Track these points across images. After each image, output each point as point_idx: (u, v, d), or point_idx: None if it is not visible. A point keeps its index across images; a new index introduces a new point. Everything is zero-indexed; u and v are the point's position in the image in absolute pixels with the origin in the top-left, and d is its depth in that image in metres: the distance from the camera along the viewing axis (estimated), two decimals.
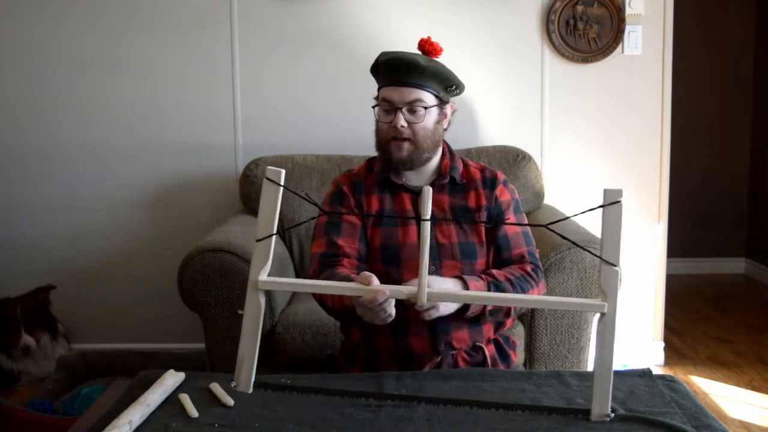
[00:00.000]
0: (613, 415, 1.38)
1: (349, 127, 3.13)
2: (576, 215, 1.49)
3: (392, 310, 1.55)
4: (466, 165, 1.93)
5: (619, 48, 3.09)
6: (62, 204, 3.22)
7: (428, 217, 1.32)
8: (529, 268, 1.83)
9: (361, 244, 1.84)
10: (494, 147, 2.98)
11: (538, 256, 1.89)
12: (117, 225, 3.22)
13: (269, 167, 1.39)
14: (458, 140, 3.03)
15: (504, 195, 1.90)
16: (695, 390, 2.97)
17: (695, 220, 4.85)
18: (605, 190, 1.34)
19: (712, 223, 4.90)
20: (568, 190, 3.16)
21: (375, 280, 1.50)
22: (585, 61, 3.10)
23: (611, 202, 1.33)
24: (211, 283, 2.31)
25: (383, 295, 1.46)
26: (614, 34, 3.07)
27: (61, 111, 3.17)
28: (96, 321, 3.28)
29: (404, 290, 1.42)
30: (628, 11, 3.06)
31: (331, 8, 3.09)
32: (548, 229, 1.40)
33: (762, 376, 3.14)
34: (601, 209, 1.34)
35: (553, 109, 3.14)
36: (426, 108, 1.79)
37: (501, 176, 1.93)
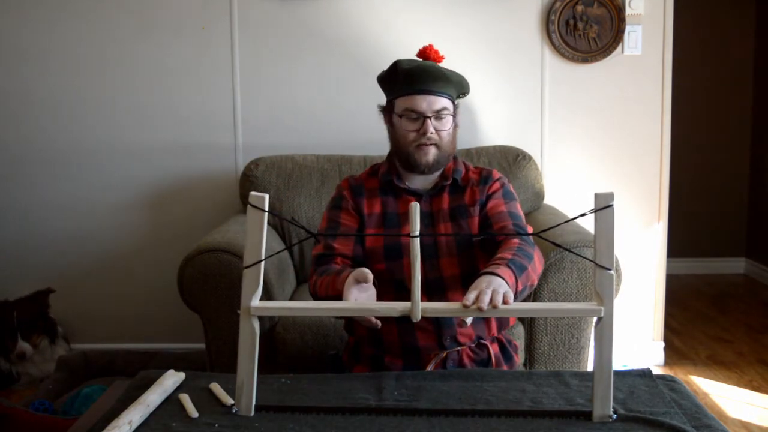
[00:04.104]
0: (615, 416, 1.38)
1: (349, 127, 3.14)
2: (568, 221, 1.48)
3: (378, 326, 1.60)
4: (467, 168, 1.99)
5: (619, 48, 3.09)
6: (63, 204, 3.22)
7: (417, 233, 1.32)
8: (516, 240, 1.80)
9: (357, 246, 1.89)
10: (494, 147, 2.98)
11: (528, 229, 1.90)
12: (117, 225, 3.22)
13: (252, 193, 1.36)
14: (459, 140, 3.01)
15: (494, 187, 1.95)
16: (695, 390, 2.97)
17: (695, 220, 4.85)
18: (596, 194, 1.33)
19: (712, 223, 4.90)
20: (568, 190, 3.16)
21: (370, 276, 1.56)
22: (585, 61, 3.10)
23: (603, 207, 1.32)
24: (211, 283, 2.31)
25: (369, 322, 1.56)
26: (614, 34, 3.07)
27: (60, 111, 3.17)
28: (96, 321, 3.29)
29: (398, 307, 1.40)
30: (628, 11, 3.06)
31: (331, 9, 3.09)
32: (541, 237, 1.40)
33: (762, 376, 3.14)
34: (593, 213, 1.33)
35: (553, 109, 3.14)
36: (452, 116, 1.87)
37: (496, 174, 1.98)
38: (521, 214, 1.93)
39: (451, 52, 3.04)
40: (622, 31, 3.06)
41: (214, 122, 3.16)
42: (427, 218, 1.91)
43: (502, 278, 1.56)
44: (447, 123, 1.86)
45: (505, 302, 1.43)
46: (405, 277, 1.83)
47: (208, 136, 3.16)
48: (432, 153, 1.86)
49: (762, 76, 4.72)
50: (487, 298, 1.42)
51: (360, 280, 1.58)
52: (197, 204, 3.20)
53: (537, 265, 1.77)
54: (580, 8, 3.06)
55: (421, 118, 1.84)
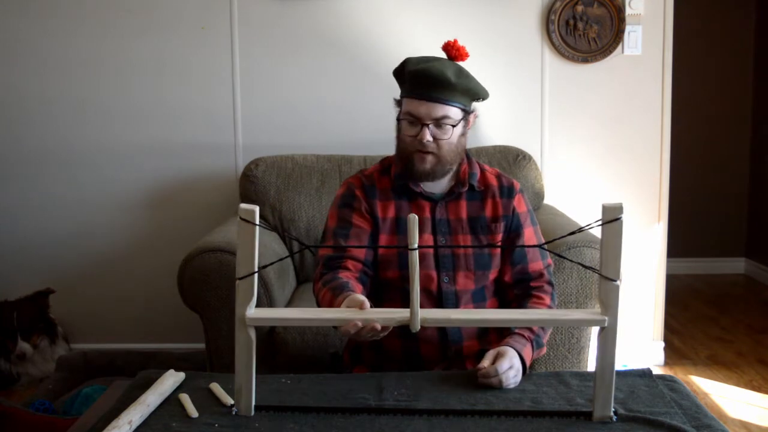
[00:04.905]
0: (615, 418, 1.38)
1: (349, 127, 3.13)
2: (573, 233, 1.47)
3: (378, 327, 1.48)
4: (482, 170, 1.90)
5: (619, 48, 3.09)
6: (63, 204, 3.22)
7: (415, 246, 1.30)
8: (548, 300, 1.82)
9: (369, 250, 1.81)
10: (494, 147, 2.98)
11: (552, 266, 1.89)
12: (117, 225, 3.22)
13: (242, 205, 1.34)
14: None
15: (521, 206, 1.87)
16: (695, 390, 2.97)
17: (695, 220, 4.85)
18: (604, 206, 1.29)
19: (712, 223, 4.90)
20: (568, 190, 3.16)
21: (366, 304, 1.47)
22: (585, 61, 3.10)
23: (611, 220, 1.30)
24: (211, 283, 2.31)
25: (355, 327, 1.43)
26: (614, 34, 3.07)
27: (60, 111, 3.17)
28: (96, 321, 3.28)
29: (396, 316, 1.39)
30: (628, 11, 3.06)
31: (331, 9, 3.09)
32: (543, 248, 1.39)
33: (762, 376, 3.14)
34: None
35: (553, 108, 3.14)
36: (453, 126, 1.75)
37: (517, 185, 1.90)
38: (542, 239, 1.91)
39: None
40: (622, 31, 3.06)
41: (214, 122, 3.16)
42: (445, 225, 1.82)
43: (524, 360, 1.63)
44: (447, 132, 1.74)
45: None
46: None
47: (208, 136, 3.16)
48: (429, 161, 1.75)
49: (762, 76, 4.72)
50: (500, 384, 1.55)
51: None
52: (197, 204, 3.20)
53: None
54: (580, 8, 3.06)
55: (419, 123, 1.74)
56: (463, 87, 1.74)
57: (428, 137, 1.73)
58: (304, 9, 3.09)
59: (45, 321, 3.10)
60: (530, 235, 1.86)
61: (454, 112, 1.74)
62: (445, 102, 1.73)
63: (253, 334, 1.38)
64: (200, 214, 3.18)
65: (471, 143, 3.03)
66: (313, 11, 3.09)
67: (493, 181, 1.88)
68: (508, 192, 1.87)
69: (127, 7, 3.11)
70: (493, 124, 3.15)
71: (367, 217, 1.83)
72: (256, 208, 1.33)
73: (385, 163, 1.91)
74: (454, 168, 1.83)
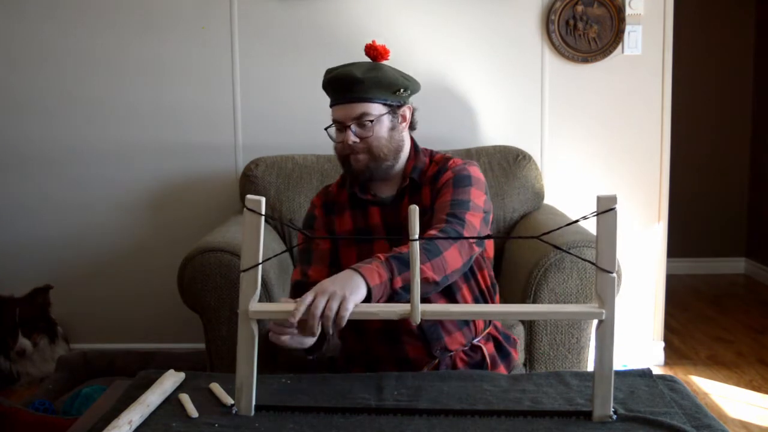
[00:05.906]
0: (615, 416, 1.38)
1: None
2: (569, 224, 1.48)
3: (311, 331, 1.44)
4: (431, 161, 1.86)
5: (619, 48, 3.09)
6: (62, 204, 3.22)
7: (416, 236, 1.29)
8: (434, 231, 1.66)
9: (332, 269, 1.81)
10: (494, 147, 2.98)
11: (465, 216, 1.70)
12: (117, 225, 3.23)
13: (249, 196, 1.35)
14: (458, 140, 3.04)
15: (446, 177, 1.79)
16: (695, 390, 2.97)
17: (695, 220, 4.85)
18: (599, 197, 1.32)
19: (712, 223, 4.90)
20: (568, 189, 3.16)
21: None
22: (585, 61, 3.10)
23: (605, 210, 1.32)
24: (211, 283, 2.31)
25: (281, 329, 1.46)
26: (614, 34, 3.07)
27: (60, 111, 3.17)
28: (96, 321, 3.29)
29: (397, 310, 1.39)
30: (628, 11, 3.06)
31: (331, 8, 3.09)
32: (541, 240, 1.39)
33: (762, 376, 3.14)
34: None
35: (553, 108, 3.14)
36: (372, 121, 1.75)
37: (452, 163, 1.82)
38: (471, 198, 1.73)
39: (451, 52, 3.05)
40: (622, 31, 3.06)
41: (214, 122, 3.16)
42: (397, 229, 1.80)
43: (363, 277, 1.45)
44: (370, 129, 1.75)
45: (338, 314, 1.38)
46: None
47: (208, 136, 3.16)
48: (362, 160, 1.77)
49: (762, 76, 4.72)
50: (302, 308, 1.38)
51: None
52: (197, 204, 3.20)
53: (448, 259, 1.60)
54: (580, 8, 3.06)
55: (343, 127, 1.78)
56: (372, 80, 1.75)
57: (352, 138, 1.76)
58: (304, 9, 3.09)
59: (45, 320, 3.10)
60: (442, 195, 1.75)
61: (373, 108, 1.76)
62: (360, 99, 1.75)
63: (255, 328, 1.38)
64: (200, 214, 3.18)
65: (471, 143, 3.06)
66: (313, 11, 3.09)
67: (433, 169, 1.84)
68: (438, 173, 1.81)
69: (127, 6, 3.11)
70: (493, 124, 3.15)
71: (326, 234, 1.87)
72: (263, 199, 1.34)
73: (345, 176, 1.92)
74: (397, 165, 1.82)
